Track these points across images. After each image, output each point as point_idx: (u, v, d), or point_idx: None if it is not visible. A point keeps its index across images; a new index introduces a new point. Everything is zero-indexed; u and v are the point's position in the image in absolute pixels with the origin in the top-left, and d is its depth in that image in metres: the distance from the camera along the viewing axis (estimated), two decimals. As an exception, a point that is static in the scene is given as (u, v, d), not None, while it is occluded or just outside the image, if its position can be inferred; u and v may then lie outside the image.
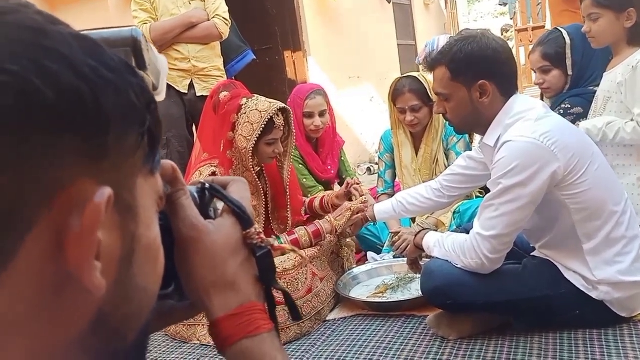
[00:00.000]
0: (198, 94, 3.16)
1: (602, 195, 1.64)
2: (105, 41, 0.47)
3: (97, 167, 0.35)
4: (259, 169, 2.24)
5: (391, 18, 7.41)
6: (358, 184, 2.37)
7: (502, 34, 9.96)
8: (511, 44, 9.50)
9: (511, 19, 8.83)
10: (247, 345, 0.47)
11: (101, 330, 0.37)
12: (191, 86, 3.15)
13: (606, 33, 2.08)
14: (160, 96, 0.58)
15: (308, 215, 2.54)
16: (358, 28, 6.24)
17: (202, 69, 3.18)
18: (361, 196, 2.28)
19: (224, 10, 3.23)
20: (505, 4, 8.54)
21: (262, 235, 0.50)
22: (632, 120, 1.98)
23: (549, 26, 5.38)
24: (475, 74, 1.66)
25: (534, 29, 7.32)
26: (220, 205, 0.53)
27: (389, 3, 7.18)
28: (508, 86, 1.68)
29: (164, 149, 3.10)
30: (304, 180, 2.81)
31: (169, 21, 3.06)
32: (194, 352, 2.00)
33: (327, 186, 2.99)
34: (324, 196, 2.50)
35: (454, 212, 2.57)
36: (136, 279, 0.39)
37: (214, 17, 3.15)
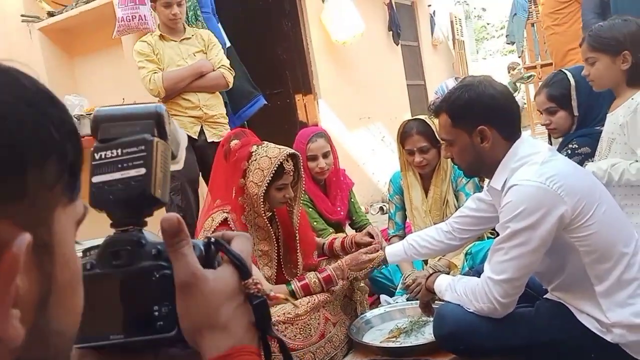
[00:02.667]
0: (209, 140, 3.25)
1: (611, 237, 1.64)
2: (132, 114, 0.56)
3: (13, 208, 0.34)
4: (270, 214, 2.27)
5: (400, 59, 7.54)
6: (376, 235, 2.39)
7: (508, 72, 10.07)
8: (526, 73, 9.54)
9: (519, 56, 8.93)
10: None
11: None
12: (201, 132, 3.24)
13: (604, 76, 2.12)
14: (179, 165, 0.63)
15: (324, 257, 2.55)
16: (367, 70, 6.36)
17: (212, 116, 3.28)
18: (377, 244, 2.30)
19: (226, 61, 3.39)
20: (513, 43, 8.65)
21: (259, 286, 0.53)
22: (636, 161, 1.99)
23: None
24: (473, 120, 1.70)
25: (542, 65, 7.39)
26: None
27: (397, 45, 7.32)
28: (509, 130, 1.72)
29: (178, 194, 3.16)
30: (314, 223, 2.83)
31: (180, 70, 3.17)
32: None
33: (338, 228, 3.00)
34: (345, 237, 2.52)
35: (466, 254, 2.57)
36: (52, 323, 0.38)
37: (219, 68, 3.28)
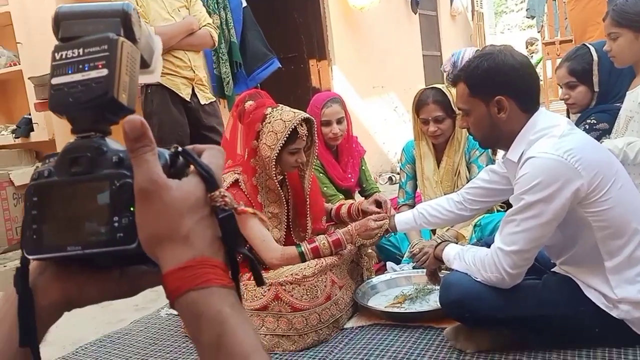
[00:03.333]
0: (202, 102, 3.22)
1: (625, 214, 1.63)
2: (96, 12, 0.51)
3: None
4: (281, 177, 2.27)
5: (417, 28, 7.43)
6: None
7: (526, 47, 9.90)
8: (537, 56, 9.44)
9: (538, 32, 8.76)
10: (193, 297, 0.46)
11: None
12: (193, 94, 3.19)
13: (625, 52, 2.08)
14: (155, 76, 0.60)
15: (331, 223, 2.57)
16: (383, 38, 6.27)
17: (201, 77, 3.25)
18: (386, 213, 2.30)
19: (210, 19, 3.32)
20: (532, 17, 8.48)
21: (227, 199, 0.49)
22: (653, 140, 1.97)
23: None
24: (491, 89, 1.68)
25: (561, 42, 7.25)
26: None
27: (415, 14, 7.20)
28: (528, 102, 1.69)
29: None
30: (325, 188, 2.83)
31: (172, 26, 3.09)
32: (212, 355, 2.03)
33: (348, 194, 3.00)
34: (352, 204, 2.52)
35: (475, 225, 2.57)
36: None
37: (205, 26, 3.21)
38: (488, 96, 1.69)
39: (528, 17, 8.93)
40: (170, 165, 0.50)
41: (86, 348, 2.24)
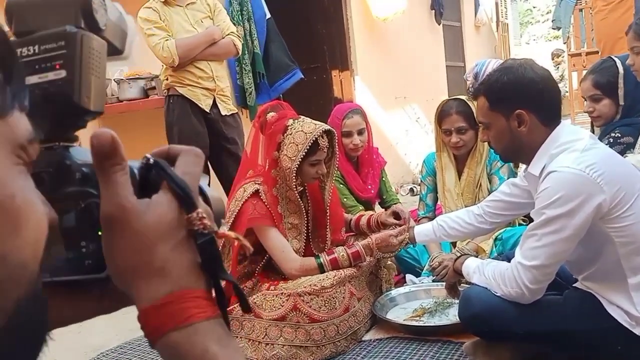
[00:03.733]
0: (223, 113, 3.24)
1: (649, 230, 1.60)
2: (52, 1, 0.44)
3: None
4: (301, 188, 2.29)
5: (440, 39, 7.41)
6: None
7: (552, 59, 9.80)
8: (562, 68, 9.34)
9: (564, 43, 8.67)
10: (175, 338, 0.42)
11: None
12: (214, 105, 3.22)
13: None
14: (130, 60, 0.53)
15: (350, 234, 2.57)
16: (406, 48, 6.27)
17: (222, 88, 3.27)
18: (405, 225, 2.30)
19: (234, 27, 3.34)
20: (558, 28, 8.39)
21: (205, 221, 0.44)
22: (679, 155, 1.94)
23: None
24: (511, 103, 1.67)
25: (587, 54, 7.17)
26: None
27: (439, 24, 7.18)
28: (549, 116, 1.68)
29: None
30: (345, 199, 2.84)
31: (193, 37, 3.11)
32: None
33: (368, 206, 3.00)
34: (372, 215, 2.52)
35: (495, 239, 2.54)
36: None
37: (228, 35, 3.23)
38: (508, 110, 1.68)
39: (554, 28, 8.85)
40: (140, 180, 0.45)
41: (107, 355, 2.27)
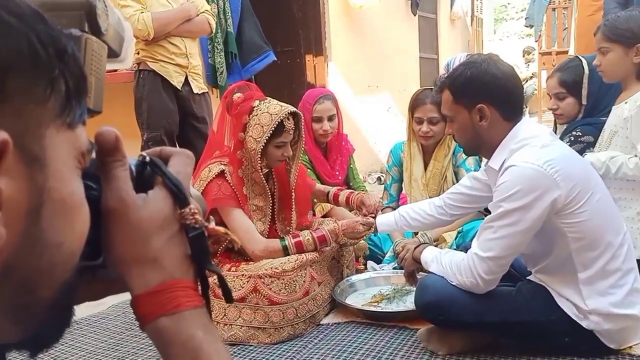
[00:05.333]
0: (194, 92, 3.21)
1: (601, 226, 1.66)
2: (57, 3, 0.47)
3: None
4: (267, 170, 2.28)
5: (415, 30, 7.44)
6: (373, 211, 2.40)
7: (523, 56, 9.94)
8: (533, 66, 9.50)
9: (536, 41, 8.80)
10: (165, 324, 0.46)
11: (5, 282, 0.37)
12: (186, 83, 3.18)
13: (615, 67, 2.10)
14: (126, 64, 0.58)
15: (316, 218, 2.59)
16: (381, 37, 6.28)
17: (194, 66, 3.24)
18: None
19: (208, 6, 3.30)
20: (531, 26, 8.51)
21: (197, 216, 0.48)
22: (635, 156, 2.00)
23: (572, 52, 5.38)
24: (473, 97, 1.71)
25: (557, 53, 7.30)
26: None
27: (415, 15, 7.20)
28: (510, 111, 1.72)
29: (157, 145, 3.14)
30: (312, 184, 2.84)
31: (169, 12, 3.07)
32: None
33: (334, 192, 3.01)
34: (352, 192, 2.55)
35: (458, 232, 2.59)
36: (46, 233, 0.38)
37: (203, 12, 3.20)
38: (470, 104, 1.71)
39: (527, 26, 8.96)
40: (136, 176, 0.49)
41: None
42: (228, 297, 0.54)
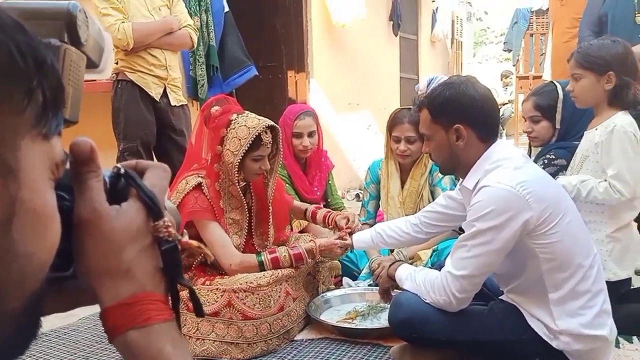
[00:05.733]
0: (172, 104, 3.20)
1: (571, 248, 1.69)
2: (37, 12, 0.47)
3: None
4: (244, 184, 2.28)
5: (397, 51, 7.54)
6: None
7: (501, 79, 10.14)
8: (510, 89, 9.68)
9: (514, 65, 9.00)
10: (134, 337, 0.45)
11: None
12: (164, 95, 3.18)
13: (587, 93, 2.16)
14: (105, 74, 0.58)
15: (294, 232, 2.59)
16: (363, 56, 6.35)
17: (174, 78, 3.23)
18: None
19: (191, 20, 3.31)
20: (509, 50, 8.71)
21: (171, 229, 0.48)
22: (605, 180, 2.05)
23: (547, 77, 5.52)
24: (451, 118, 1.74)
25: (534, 77, 7.48)
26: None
27: (396, 36, 7.31)
28: (485, 132, 1.75)
29: (134, 157, 3.13)
30: (289, 200, 2.85)
31: (150, 24, 3.07)
32: None
33: (312, 208, 3.02)
34: (329, 212, 2.56)
35: (433, 250, 2.61)
36: (17, 244, 0.38)
37: (185, 27, 3.21)
38: (448, 124, 1.74)
39: (505, 50, 9.18)
40: (110, 188, 0.49)
41: (30, 341, 2.19)
42: (199, 311, 0.54)
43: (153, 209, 0.47)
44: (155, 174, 0.51)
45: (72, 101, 0.48)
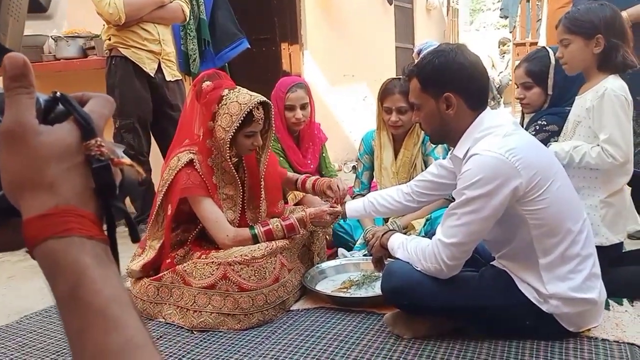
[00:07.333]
0: (167, 79, 3.20)
1: (561, 214, 1.71)
2: None
3: None
4: (236, 159, 2.29)
5: (391, 20, 7.46)
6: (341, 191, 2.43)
7: (498, 47, 10.05)
8: (508, 57, 9.61)
9: (510, 32, 8.90)
10: (51, 246, 0.43)
11: None
12: (159, 70, 3.17)
13: (576, 59, 2.15)
14: (55, 21, 0.55)
15: (289, 205, 2.61)
16: (357, 26, 6.28)
17: (168, 52, 3.22)
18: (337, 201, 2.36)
19: None
20: (506, 17, 8.60)
21: (104, 149, 0.46)
22: (597, 145, 2.05)
23: (543, 43, 5.46)
24: (440, 86, 1.74)
25: (531, 44, 7.41)
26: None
27: (390, 5, 7.22)
28: (475, 101, 1.75)
29: (130, 132, 3.13)
30: (284, 172, 2.86)
31: None
32: (157, 330, 2.05)
33: (307, 180, 3.03)
34: (317, 179, 2.58)
35: (426, 219, 2.63)
36: None
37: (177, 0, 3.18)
38: (437, 92, 1.74)
39: (502, 17, 9.06)
40: (45, 112, 0.47)
41: (31, 318, 2.23)
42: (134, 235, 0.51)
43: (86, 128, 0.46)
44: (96, 102, 0.50)
45: (12, 32, 0.46)
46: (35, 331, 2.10)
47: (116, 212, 0.48)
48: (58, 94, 0.48)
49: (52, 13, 0.49)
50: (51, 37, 3.64)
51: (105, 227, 0.47)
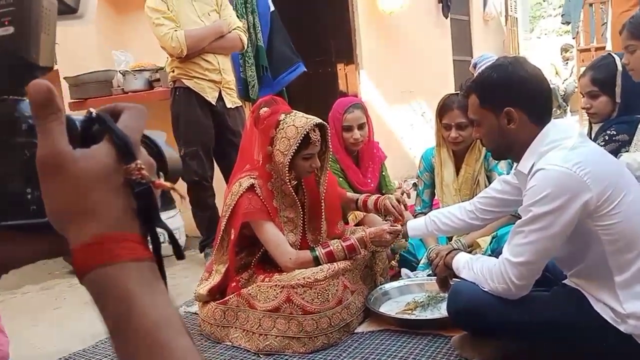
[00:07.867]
0: (228, 106, 3.28)
1: (636, 228, 1.61)
2: None
3: None
4: (296, 182, 2.31)
5: (448, 33, 7.38)
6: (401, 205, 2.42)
7: (561, 54, 9.72)
8: (572, 64, 9.26)
9: (573, 38, 8.59)
10: (99, 274, 0.43)
11: None
12: (220, 98, 3.26)
13: None
14: (87, 20, 0.54)
15: (350, 226, 2.61)
16: (413, 42, 6.25)
17: (228, 81, 3.31)
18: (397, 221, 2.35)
19: (239, 23, 3.38)
20: (568, 23, 8.31)
21: (144, 172, 0.45)
22: (673, 154, 1.94)
23: (610, 48, 5.24)
24: (501, 101, 1.69)
25: (597, 49, 7.11)
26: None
27: (447, 18, 7.15)
28: (538, 114, 1.69)
29: (194, 159, 3.23)
30: (344, 193, 2.86)
31: (202, 29, 3.16)
32: (225, 353, 2.09)
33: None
34: (379, 197, 2.57)
35: (493, 237, 2.55)
36: None
37: (235, 29, 3.27)
38: (497, 108, 1.70)
39: (563, 23, 8.77)
40: (82, 133, 0.47)
41: (106, 342, 2.31)
42: (178, 253, 0.51)
43: (123, 151, 0.45)
44: (130, 115, 0.49)
45: (44, 47, 0.47)
46: (109, 355, 2.18)
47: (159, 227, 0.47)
48: (94, 114, 0.47)
49: (83, 12, 0.50)
50: (119, 71, 3.85)
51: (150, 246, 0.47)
